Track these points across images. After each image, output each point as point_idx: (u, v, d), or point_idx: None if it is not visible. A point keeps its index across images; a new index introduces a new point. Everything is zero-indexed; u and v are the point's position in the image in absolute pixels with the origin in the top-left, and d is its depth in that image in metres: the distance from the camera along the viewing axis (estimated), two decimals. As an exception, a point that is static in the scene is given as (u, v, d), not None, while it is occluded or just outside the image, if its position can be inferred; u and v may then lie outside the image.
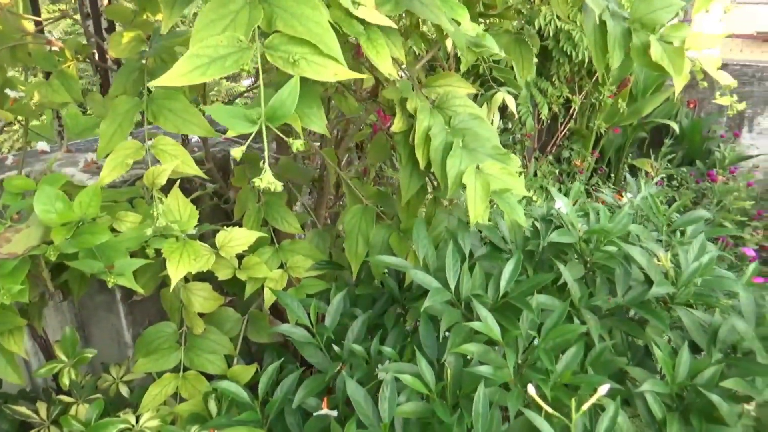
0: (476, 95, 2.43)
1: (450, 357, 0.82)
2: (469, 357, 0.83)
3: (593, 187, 3.60)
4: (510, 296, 0.88)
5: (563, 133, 3.40)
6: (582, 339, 0.82)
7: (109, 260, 0.96)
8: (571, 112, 3.33)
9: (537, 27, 2.47)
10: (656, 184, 3.13)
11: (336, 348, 0.95)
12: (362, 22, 0.88)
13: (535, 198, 3.00)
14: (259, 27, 0.57)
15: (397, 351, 0.94)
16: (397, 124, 1.09)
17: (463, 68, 1.03)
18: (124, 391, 1.23)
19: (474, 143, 1.08)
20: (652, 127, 3.92)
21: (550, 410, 0.71)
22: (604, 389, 0.71)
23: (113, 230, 1.13)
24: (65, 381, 1.16)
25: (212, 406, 1.05)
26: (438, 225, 1.15)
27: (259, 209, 1.34)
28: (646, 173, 3.47)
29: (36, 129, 1.64)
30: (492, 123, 2.13)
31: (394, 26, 0.93)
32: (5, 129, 1.48)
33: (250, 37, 0.56)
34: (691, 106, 3.84)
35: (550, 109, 2.83)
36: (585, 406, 0.71)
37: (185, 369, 1.19)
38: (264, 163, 0.59)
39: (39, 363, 1.50)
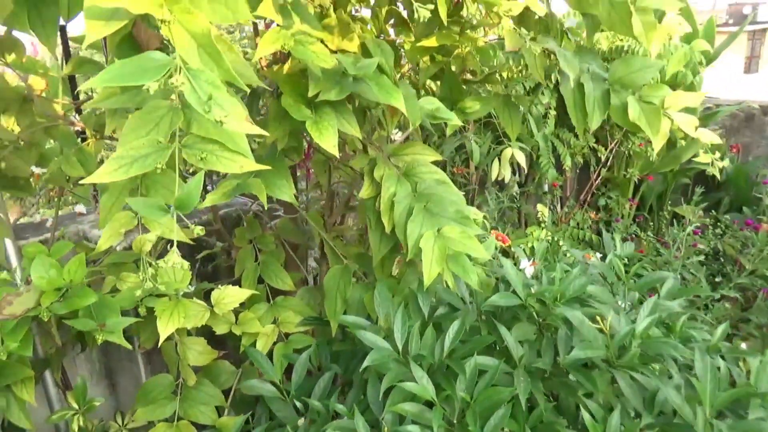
0: (489, 149, 2.49)
1: (388, 415, 0.87)
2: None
3: (632, 236, 3.52)
4: (453, 356, 0.92)
5: (597, 181, 3.37)
6: (515, 401, 0.84)
7: (102, 319, 1.09)
8: (604, 160, 3.31)
9: (554, 81, 2.52)
10: (693, 233, 3.04)
11: (298, 403, 1.02)
12: (312, 106, 0.99)
13: (564, 248, 2.98)
14: (180, 128, 0.68)
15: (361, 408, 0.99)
16: (366, 191, 1.17)
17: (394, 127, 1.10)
18: (127, 437, 1.33)
19: (437, 208, 1.15)
20: (695, 173, 3.81)
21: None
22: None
23: (116, 290, 1.27)
24: (74, 427, 1.28)
25: (194, 456, 1.13)
26: (409, 284, 1.21)
27: (255, 268, 1.45)
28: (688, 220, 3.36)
29: (78, 192, 1.83)
30: (503, 177, 2.19)
31: (346, 107, 1.03)
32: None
33: (169, 138, 0.67)
34: (734, 150, 3.71)
35: (573, 159, 2.84)
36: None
37: (180, 418, 1.28)
38: (171, 245, 0.68)
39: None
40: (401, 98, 0.93)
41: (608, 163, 3.39)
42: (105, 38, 0.80)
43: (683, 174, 3.75)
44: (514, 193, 3.25)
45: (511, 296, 0.99)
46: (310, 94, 0.92)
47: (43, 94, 1.48)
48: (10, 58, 1.40)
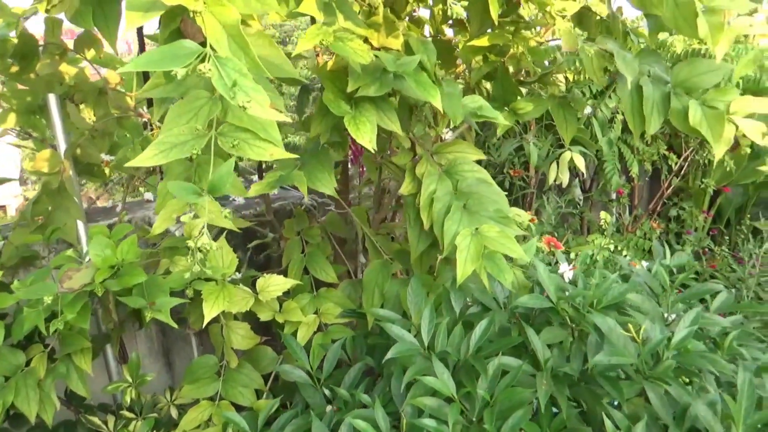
0: (549, 152, 2.43)
1: (407, 408, 0.88)
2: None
3: (704, 250, 3.33)
4: (479, 355, 0.92)
5: (668, 190, 3.22)
6: (532, 404, 0.83)
7: (152, 298, 1.16)
8: (677, 169, 3.16)
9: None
10: (771, 250, 2.84)
11: (326, 391, 1.05)
12: (353, 102, 1.02)
13: (628, 257, 2.87)
14: (217, 116, 0.72)
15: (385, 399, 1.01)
16: (406, 188, 1.19)
17: (445, 126, 1.11)
18: (174, 412, 1.41)
19: (477, 206, 1.14)
20: (780, 185, 3.56)
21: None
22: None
23: (169, 272, 1.34)
24: (126, 399, 1.37)
25: (230, 433, 1.18)
26: (444, 282, 1.21)
27: (301, 259, 1.49)
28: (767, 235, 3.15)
29: (148, 181, 1.95)
30: (562, 182, 2.14)
31: (387, 104, 1.05)
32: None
33: (207, 125, 0.71)
34: (826, 163, 3.44)
35: (641, 166, 2.73)
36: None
37: (221, 398, 1.34)
38: (203, 227, 0.72)
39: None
40: (438, 95, 0.94)
41: (682, 172, 3.23)
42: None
43: (766, 186, 3.51)
44: (577, 199, 3.16)
45: (541, 298, 0.98)
46: (349, 89, 0.94)
47: (118, 87, 1.60)
48: (90, 53, 1.52)
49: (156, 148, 0.70)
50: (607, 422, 0.79)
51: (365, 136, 0.94)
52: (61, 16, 1.10)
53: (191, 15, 0.58)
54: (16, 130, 1.59)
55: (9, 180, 1.38)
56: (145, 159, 0.70)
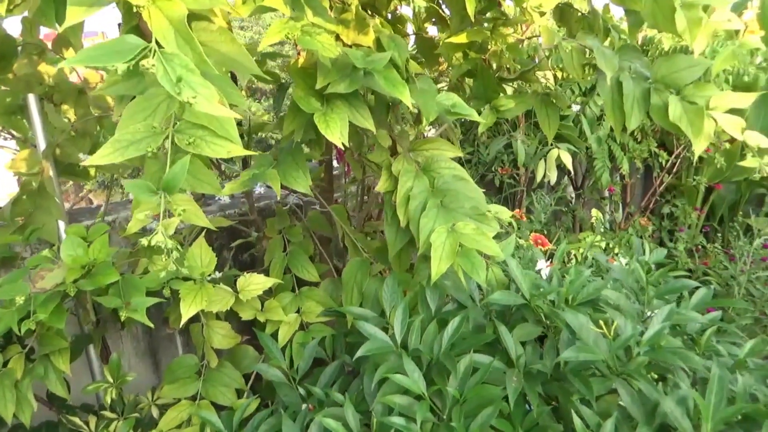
0: (536, 150, 2.43)
1: (378, 406, 0.87)
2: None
3: (698, 247, 3.33)
4: (452, 352, 0.91)
5: (660, 188, 3.21)
6: (516, 401, 0.82)
7: (128, 297, 1.15)
8: (669, 166, 3.15)
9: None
10: (763, 246, 2.83)
11: (301, 390, 1.04)
12: (325, 99, 1.01)
13: (618, 254, 2.86)
14: (175, 113, 0.72)
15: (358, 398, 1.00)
16: (383, 185, 1.18)
17: (426, 123, 1.10)
18: (155, 412, 1.40)
19: (453, 203, 1.14)
20: (774, 182, 3.55)
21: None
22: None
23: (147, 272, 1.34)
24: (107, 399, 1.36)
25: (207, 433, 1.18)
26: (421, 279, 1.20)
27: (283, 258, 1.49)
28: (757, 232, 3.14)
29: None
30: (550, 179, 2.13)
31: (360, 100, 1.04)
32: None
33: (165, 123, 0.71)
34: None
35: (632, 164, 2.72)
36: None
37: (202, 398, 1.34)
38: (171, 226, 0.72)
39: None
40: (406, 91, 0.93)
41: (674, 169, 3.22)
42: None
43: (759, 184, 3.50)
44: (569, 197, 3.15)
45: (514, 295, 0.97)
46: (318, 85, 0.94)
47: (98, 87, 1.59)
48: (68, 53, 1.51)
49: (112, 146, 0.69)
50: (576, 420, 0.79)
51: (335, 133, 0.94)
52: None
53: (135, 10, 0.58)
54: (-3, 131, 1.59)
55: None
56: (101, 157, 0.69)
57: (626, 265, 1.14)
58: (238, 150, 0.70)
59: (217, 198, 1.98)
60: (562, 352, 0.89)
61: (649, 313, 1.07)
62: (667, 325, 0.86)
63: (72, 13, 0.59)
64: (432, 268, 1.02)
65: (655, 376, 0.90)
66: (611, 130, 2.53)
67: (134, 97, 0.77)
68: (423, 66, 1.66)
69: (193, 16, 0.69)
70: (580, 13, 1.55)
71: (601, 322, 0.89)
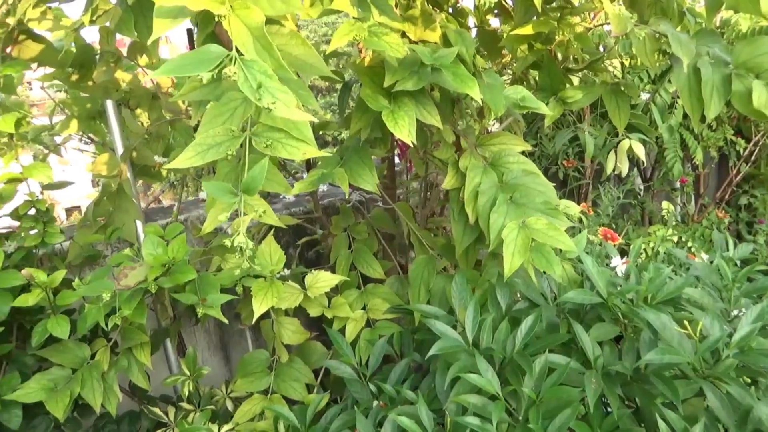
0: (605, 141, 2.34)
1: (451, 405, 0.87)
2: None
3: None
4: (526, 352, 0.89)
5: (737, 178, 3.04)
6: (580, 403, 0.80)
7: (204, 294, 1.19)
8: (746, 154, 2.98)
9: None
10: None
11: (372, 386, 1.05)
12: (392, 97, 1.01)
13: (693, 248, 2.73)
14: (251, 116, 0.73)
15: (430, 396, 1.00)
16: (449, 182, 1.17)
17: (492, 118, 1.08)
18: (230, 405, 1.45)
19: (523, 199, 1.12)
20: None
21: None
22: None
23: (221, 269, 1.38)
24: (185, 391, 1.42)
25: (281, 428, 1.21)
26: (490, 277, 1.19)
27: (348, 255, 1.50)
28: None
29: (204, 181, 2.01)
30: (621, 171, 2.06)
31: (426, 97, 1.03)
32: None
33: (242, 126, 0.72)
34: None
35: (706, 153, 2.58)
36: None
37: (273, 392, 1.37)
38: (242, 225, 0.73)
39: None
40: (476, 87, 0.92)
41: (752, 158, 3.05)
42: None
43: None
44: (638, 189, 3.03)
45: (589, 294, 0.94)
46: (386, 84, 0.94)
47: (170, 91, 1.65)
48: (143, 60, 1.58)
49: (193, 149, 0.72)
50: (661, 423, 0.76)
51: (403, 130, 0.94)
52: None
53: (216, 19, 0.59)
54: (79, 136, 1.68)
55: (66, 184, 1.46)
56: (183, 161, 0.71)
57: (709, 261, 1.09)
58: (313, 151, 0.71)
59: (281, 196, 2.02)
60: (643, 353, 0.85)
61: (735, 312, 1.01)
62: (758, 326, 0.81)
63: (158, 25, 0.62)
64: (505, 264, 1.00)
65: (747, 380, 0.85)
66: (684, 117, 2.41)
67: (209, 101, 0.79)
68: (485, 59, 1.64)
69: (266, 21, 0.70)
70: (651, -2, 1.48)
71: (685, 322, 0.85)
